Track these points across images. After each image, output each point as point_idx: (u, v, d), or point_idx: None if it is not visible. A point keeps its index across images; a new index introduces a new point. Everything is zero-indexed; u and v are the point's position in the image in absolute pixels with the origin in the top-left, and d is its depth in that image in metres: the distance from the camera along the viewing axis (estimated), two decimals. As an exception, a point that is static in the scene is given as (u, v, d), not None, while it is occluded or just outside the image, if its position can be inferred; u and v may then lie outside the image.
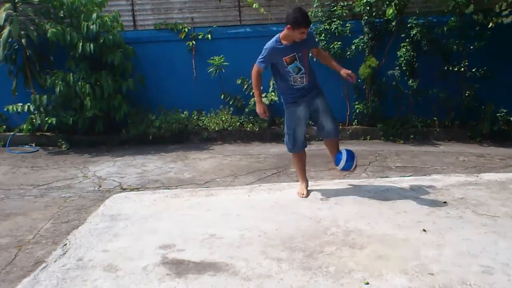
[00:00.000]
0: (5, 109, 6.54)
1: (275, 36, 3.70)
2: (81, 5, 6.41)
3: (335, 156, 3.89)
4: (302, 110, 3.78)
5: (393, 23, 6.32)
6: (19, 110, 6.46)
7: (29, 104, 6.47)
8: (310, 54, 3.99)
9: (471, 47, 6.25)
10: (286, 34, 3.60)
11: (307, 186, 3.96)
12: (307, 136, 4.08)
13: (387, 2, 6.28)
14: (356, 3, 6.49)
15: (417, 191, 3.94)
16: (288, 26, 3.51)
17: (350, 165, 3.81)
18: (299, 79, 3.71)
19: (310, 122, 4.10)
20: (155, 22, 7.13)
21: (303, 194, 3.86)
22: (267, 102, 6.59)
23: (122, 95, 6.55)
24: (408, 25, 6.38)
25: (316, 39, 3.74)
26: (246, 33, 7.00)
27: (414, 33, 6.28)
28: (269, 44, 3.69)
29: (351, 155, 3.80)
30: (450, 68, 6.37)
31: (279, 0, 6.95)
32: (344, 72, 3.76)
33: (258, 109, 3.80)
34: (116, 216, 3.61)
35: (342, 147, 3.95)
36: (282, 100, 3.90)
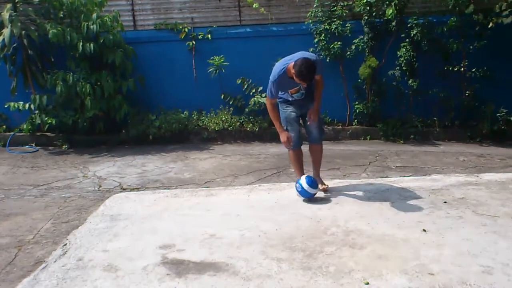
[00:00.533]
0: (5, 106, 6.53)
1: (282, 67, 3.66)
2: (81, 5, 6.41)
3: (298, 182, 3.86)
4: (292, 109, 3.90)
5: (393, 23, 6.32)
6: (20, 107, 6.45)
7: (29, 103, 6.47)
8: None
9: (471, 47, 6.25)
10: (292, 70, 3.56)
11: None
12: (303, 133, 4.07)
13: (387, 2, 6.28)
14: (356, 3, 6.49)
15: (417, 191, 3.94)
16: (293, 71, 3.50)
17: (311, 193, 3.79)
18: (296, 97, 3.88)
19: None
20: (155, 22, 7.13)
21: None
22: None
23: (122, 95, 6.55)
24: (408, 25, 6.38)
25: (320, 69, 3.75)
26: (246, 33, 7.00)
27: (414, 33, 6.29)
28: (274, 77, 3.70)
29: (312, 181, 3.81)
30: (450, 68, 6.37)
31: (279, 0, 6.95)
32: (310, 113, 3.86)
33: (282, 138, 3.87)
34: (116, 216, 3.61)
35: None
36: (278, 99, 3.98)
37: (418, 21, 6.32)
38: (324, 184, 4.03)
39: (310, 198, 3.80)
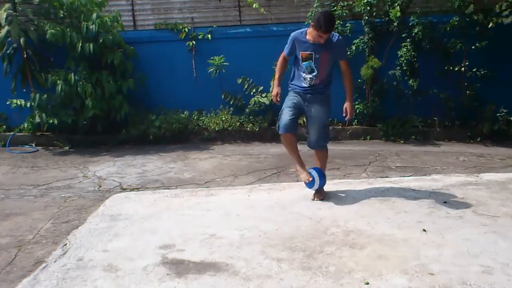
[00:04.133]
0: (7, 103, 6.51)
1: (304, 28, 3.75)
2: (81, 5, 6.41)
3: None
4: (296, 99, 3.79)
5: (395, 24, 6.31)
6: (22, 105, 6.43)
7: (29, 102, 6.47)
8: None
9: (472, 47, 6.24)
10: (311, 30, 3.60)
11: (304, 167, 3.88)
12: (306, 135, 4.01)
13: (389, 3, 6.28)
14: (356, 3, 6.48)
15: (417, 191, 3.94)
16: (312, 23, 3.55)
17: (321, 184, 3.78)
18: (308, 79, 3.70)
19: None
20: (155, 22, 7.13)
21: (306, 177, 3.79)
22: (267, 102, 6.61)
23: (123, 95, 6.55)
24: (410, 24, 6.37)
25: (345, 52, 3.81)
26: (246, 33, 7.00)
27: (416, 31, 6.25)
28: (294, 33, 3.75)
29: (321, 174, 3.79)
30: (451, 68, 6.37)
31: (279, 0, 6.95)
32: (346, 105, 3.82)
33: (273, 91, 3.91)
34: (116, 216, 3.61)
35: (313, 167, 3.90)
36: (288, 88, 3.91)
37: (420, 19, 6.30)
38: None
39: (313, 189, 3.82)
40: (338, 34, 3.73)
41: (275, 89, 3.87)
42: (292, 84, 3.85)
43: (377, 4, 6.37)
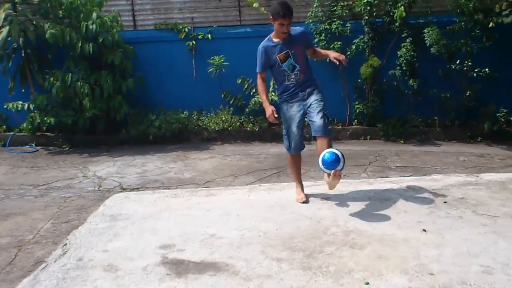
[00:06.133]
0: (4, 106, 6.53)
1: (267, 37, 3.76)
2: (80, 5, 6.41)
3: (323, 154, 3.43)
4: (294, 110, 3.69)
5: (397, 24, 6.30)
6: (19, 108, 6.45)
7: (28, 103, 6.47)
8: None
9: (476, 47, 6.22)
10: (275, 30, 3.65)
11: (302, 189, 3.88)
12: (306, 135, 3.99)
13: (390, 3, 6.27)
14: (356, 3, 6.48)
15: (417, 191, 3.94)
16: (271, 17, 3.61)
17: (336, 165, 3.36)
18: (293, 77, 3.68)
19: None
20: (155, 22, 7.13)
21: (302, 199, 3.77)
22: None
23: (122, 95, 6.54)
24: (413, 23, 6.34)
25: (311, 40, 3.83)
26: (246, 33, 7.00)
27: (427, 31, 6.13)
28: (260, 45, 3.72)
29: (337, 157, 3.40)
30: (453, 67, 6.35)
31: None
32: (332, 56, 3.82)
33: (267, 113, 3.67)
34: (116, 216, 3.61)
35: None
36: (279, 102, 3.87)
37: (427, 19, 6.28)
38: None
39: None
40: (298, 27, 3.81)
41: (268, 109, 3.66)
42: (282, 96, 3.77)
43: (378, 4, 6.37)
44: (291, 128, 3.74)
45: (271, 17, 3.61)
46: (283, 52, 3.63)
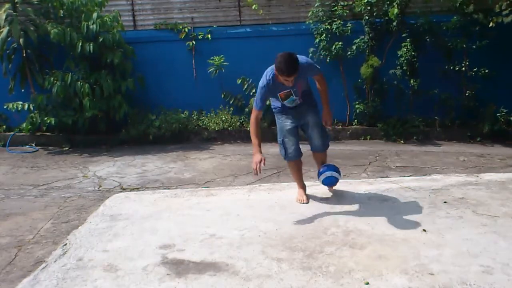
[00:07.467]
0: (4, 106, 6.53)
1: (270, 71, 3.41)
2: (81, 5, 6.42)
3: (321, 168, 3.73)
4: (289, 121, 3.64)
5: (394, 23, 6.31)
6: (19, 108, 6.45)
7: (29, 103, 6.48)
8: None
9: (473, 46, 6.23)
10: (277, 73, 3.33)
11: (305, 191, 3.86)
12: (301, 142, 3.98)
13: (388, 2, 6.28)
14: (356, 3, 6.49)
15: (417, 191, 3.94)
16: (275, 67, 3.28)
17: (334, 179, 3.69)
18: (293, 104, 3.59)
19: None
20: (155, 22, 7.14)
21: (303, 200, 3.73)
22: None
23: (122, 95, 6.54)
24: (412, 23, 6.36)
25: (316, 69, 3.58)
26: (246, 33, 7.01)
27: (419, 24, 6.21)
28: (263, 82, 3.43)
29: (335, 169, 3.70)
30: (452, 67, 6.36)
31: (279, 0, 6.95)
32: (325, 114, 3.67)
33: (254, 159, 3.33)
34: (116, 216, 3.61)
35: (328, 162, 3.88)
36: (272, 107, 3.75)
37: (422, 19, 6.31)
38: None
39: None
40: (303, 59, 3.38)
41: (257, 156, 3.33)
42: (277, 108, 3.69)
43: (377, 3, 6.37)
44: (286, 138, 3.68)
45: (275, 67, 3.28)
46: (286, 91, 3.47)
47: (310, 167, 4.87)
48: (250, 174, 5.00)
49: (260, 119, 3.56)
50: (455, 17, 6.20)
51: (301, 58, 3.37)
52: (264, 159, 3.33)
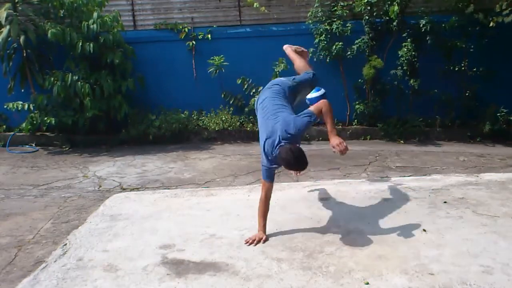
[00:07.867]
0: (4, 106, 6.53)
1: (273, 152, 2.99)
2: (82, 5, 6.41)
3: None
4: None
5: (395, 23, 6.31)
6: (19, 108, 6.45)
7: (29, 102, 6.47)
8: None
9: (473, 46, 6.23)
10: None
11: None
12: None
13: (389, 2, 6.28)
14: (356, 3, 6.49)
15: (417, 191, 3.94)
16: (280, 162, 2.93)
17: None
18: None
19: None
20: (155, 22, 7.13)
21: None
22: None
23: (122, 95, 6.54)
24: (413, 22, 6.37)
25: (312, 115, 3.11)
26: (246, 33, 7.01)
27: (419, 24, 6.23)
28: (268, 164, 3.10)
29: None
30: (452, 67, 6.36)
31: (279, 0, 6.95)
32: (331, 144, 3.03)
33: (259, 235, 3.08)
34: (116, 216, 3.61)
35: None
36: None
37: (422, 19, 6.31)
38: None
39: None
40: (297, 122, 3.01)
41: (261, 234, 3.09)
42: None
43: (377, 3, 6.37)
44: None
45: (280, 161, 2.93)
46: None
47: (310, 167, 4.87)
48: (250, 174, 5.00)
49: (271, 191, 3.17)
50: (453, 17, 6.19)
51: (301, 121, 3.04)
52: (266, 240, 3.06)
